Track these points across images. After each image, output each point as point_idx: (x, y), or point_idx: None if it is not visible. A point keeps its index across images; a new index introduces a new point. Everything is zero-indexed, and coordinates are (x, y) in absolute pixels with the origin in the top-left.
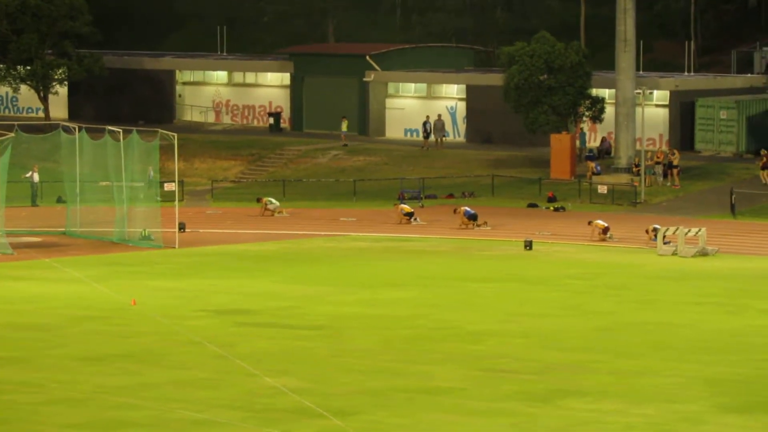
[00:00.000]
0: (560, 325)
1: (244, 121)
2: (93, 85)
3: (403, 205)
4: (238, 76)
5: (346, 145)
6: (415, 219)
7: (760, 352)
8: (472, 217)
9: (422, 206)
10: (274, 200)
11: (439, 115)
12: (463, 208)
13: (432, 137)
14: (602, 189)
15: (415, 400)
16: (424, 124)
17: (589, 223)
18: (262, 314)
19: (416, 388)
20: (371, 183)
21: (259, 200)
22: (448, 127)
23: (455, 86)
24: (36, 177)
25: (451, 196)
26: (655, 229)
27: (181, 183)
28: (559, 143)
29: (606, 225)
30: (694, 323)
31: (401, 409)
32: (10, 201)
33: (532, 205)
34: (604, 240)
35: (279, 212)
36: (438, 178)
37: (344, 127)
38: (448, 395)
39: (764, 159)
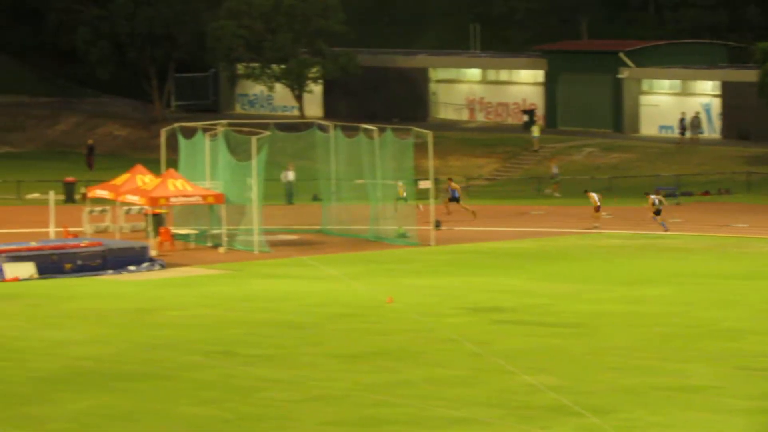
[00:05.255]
0: None
1: (498, 119)
2: (347, 83)
3: (592, 194)
4: (491, 74)
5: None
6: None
7: None
8: (454, 200)
9: (678, 204)
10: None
11: (697, 113)
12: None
13: (687, 134)
14: None
15: (672, 398)
16: (681, 120)
17: None
18: (517, 312)
19: (672, 386)
20: (626, 180)
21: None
22: (703, 123)
23: (710, 83)
24: (291, 175)
25: (706, 193)
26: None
27: (435, 181)
28: None
29: (598, 204)
30: None
31: (658, 407)
32: (267, 199)
33: None
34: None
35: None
36: (693, 175)
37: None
38: (704, 393)
39: None
